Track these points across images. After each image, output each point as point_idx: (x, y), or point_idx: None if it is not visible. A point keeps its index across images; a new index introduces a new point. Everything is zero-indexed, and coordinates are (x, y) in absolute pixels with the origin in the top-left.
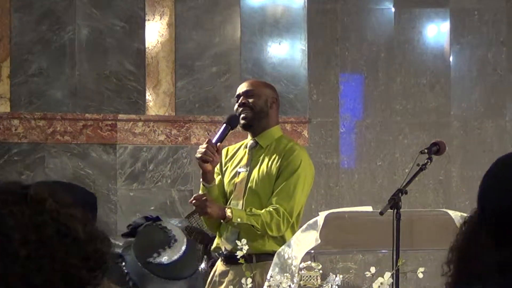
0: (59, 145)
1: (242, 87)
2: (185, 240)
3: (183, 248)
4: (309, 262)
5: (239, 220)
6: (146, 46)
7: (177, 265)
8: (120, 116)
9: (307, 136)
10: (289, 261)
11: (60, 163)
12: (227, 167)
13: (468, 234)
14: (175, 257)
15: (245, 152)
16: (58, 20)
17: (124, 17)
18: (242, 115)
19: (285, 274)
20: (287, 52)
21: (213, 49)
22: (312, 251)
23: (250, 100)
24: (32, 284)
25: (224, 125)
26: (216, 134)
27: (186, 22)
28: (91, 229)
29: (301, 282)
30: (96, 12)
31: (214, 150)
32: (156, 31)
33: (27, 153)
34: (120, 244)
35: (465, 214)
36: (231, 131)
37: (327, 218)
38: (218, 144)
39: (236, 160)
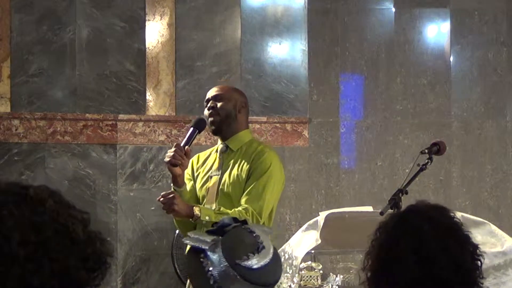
0: (59, 145)
1: (211, 92)
2: (271, 248)
3: (270, 255)
4: (309, 262)
5: (207, 218)
6: (146, 46)
7: (263, 271)
8: (120, 116)
9: (307, 136)
10: (290, 260)
11: (61, 163)
12: (199, 172)
13: (385, 242)
14: (263, 263)
15: (216, 156)
16: (58, 20)
17: (124, 17)
18: (210, 119)
19: (285, 274)
20: (287, 52)
21: (213, 49)
22: (313, 251)
23: (219, 104)
24: (30, 285)
25: (192, 128)
26: (184, 137)
27: (186, 22)
28: (91, 230)
29: (302, 282)
30: (96, 12)
31: (182, 154)
32: (156, 31)
33: (27, 153)
34: (208, 240)
35: (465, 215)
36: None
37: (327, 218)
38: (187, 147)
39: (207, 166)
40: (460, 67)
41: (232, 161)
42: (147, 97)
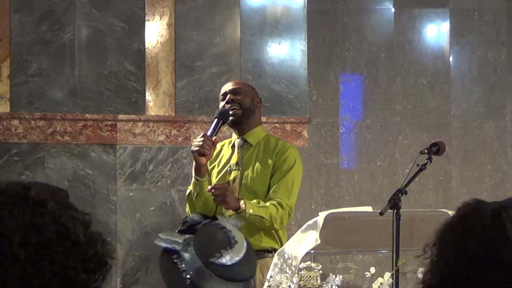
0: (59, 145)
1: (228, 86)
2: (244, 242)
3: (244, 250)
4: (309, 262)
5: (251, 211)
6: (146, 46)
7: (237, 267)
8: (120, 116)
9: (307, 136)
10: (289, 261)
11: (60, 163)
12: (214, 166)
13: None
14: (237, 259)
15: (232, 151)
16: (58, 20)
17: (124, 17)
18: (231, 111)
19: (285, 274)
20: (287, 52)
21: (213, 49)
22: (312, 251)
23: (238, 97)
24: (31, 287)
25: (216, 119)
26: (209, 128)
27: (186, 22)
28: (92, 232)
29: (301, 282)
30: (96, 12)
31: (210, 143)
32: (156, 31)
33: (27, 153)
34: (180, 240)
35: None
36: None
37: (327, 218)
38: (214, 137)
39: (223, 159)
40: (459, 67)
41: (252, 156)
42: (147, 97)
